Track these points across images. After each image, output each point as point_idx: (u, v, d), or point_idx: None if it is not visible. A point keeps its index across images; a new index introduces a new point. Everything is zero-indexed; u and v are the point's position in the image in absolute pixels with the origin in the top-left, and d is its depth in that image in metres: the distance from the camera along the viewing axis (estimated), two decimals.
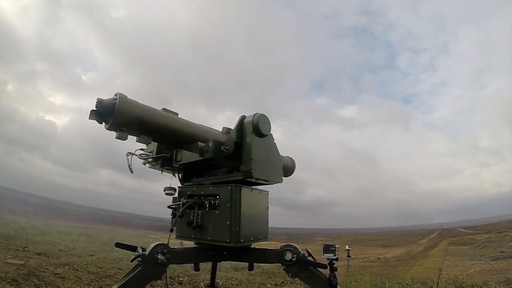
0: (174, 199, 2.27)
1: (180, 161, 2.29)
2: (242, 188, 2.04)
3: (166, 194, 2.28)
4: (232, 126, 2.20)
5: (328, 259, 2.01)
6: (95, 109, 1.73)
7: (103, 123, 1.79)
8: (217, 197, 2.05)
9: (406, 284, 3.76)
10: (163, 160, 2.29)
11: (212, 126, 2.32)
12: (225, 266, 4.33)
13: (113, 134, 1.83)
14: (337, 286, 1.92)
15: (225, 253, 2.19)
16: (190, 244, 2.27)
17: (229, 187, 2.03)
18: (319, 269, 1.96)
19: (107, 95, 1.81)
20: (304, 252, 2.01)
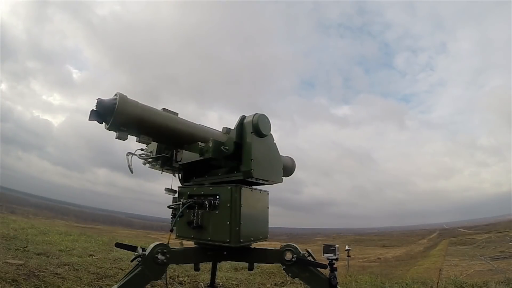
0: (174, 199, 2.28)
1: (180, 161, 2.29)
2: (242, 188, 2.04)
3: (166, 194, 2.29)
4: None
5: (328, 259, 2.00)
6: (95, 109, 1.73)
7: (103, 123, 1.78)
8: (217, 197, 2.05)
9: (406, 284, 3.76)
10: (163, 160, 2.29)
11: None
12: (225, 266, 4.33)
13: (109, 133, 1.82)
14: (337, 286, 1.92)
15: (225, 253, 2.19)
16: (190, 244, 2.27)
17: (229, 187, 2.03)
18: (319, 269, 1.96)
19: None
20: (304, 252, 2.01)
